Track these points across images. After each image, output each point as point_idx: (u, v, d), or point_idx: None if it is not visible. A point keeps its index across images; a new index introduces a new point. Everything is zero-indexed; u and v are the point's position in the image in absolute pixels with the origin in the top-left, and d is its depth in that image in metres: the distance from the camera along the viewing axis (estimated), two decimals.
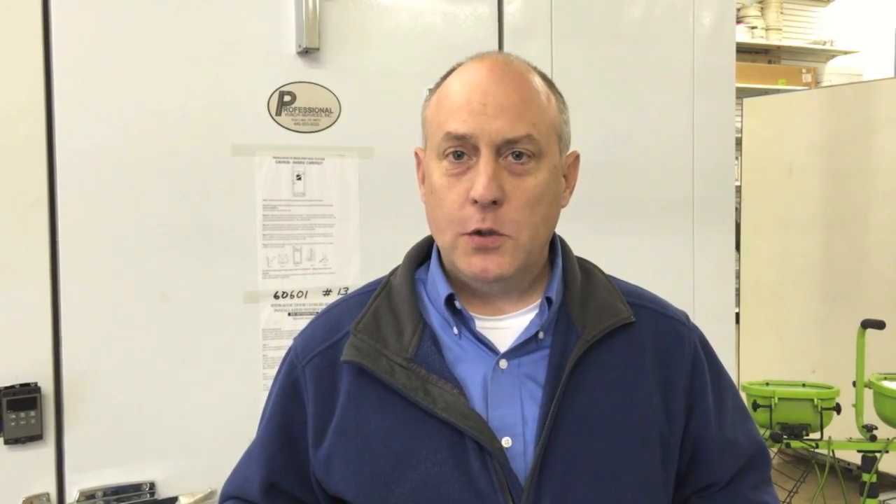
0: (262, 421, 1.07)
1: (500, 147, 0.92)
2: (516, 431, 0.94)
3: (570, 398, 0.95)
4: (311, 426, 0.99)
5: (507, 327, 0.99)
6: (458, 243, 0.94)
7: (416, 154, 1.03)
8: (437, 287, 1.00)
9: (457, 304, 0.98)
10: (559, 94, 1.01)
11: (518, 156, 0.92)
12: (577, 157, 1.03)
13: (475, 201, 0.91)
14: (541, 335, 0.97)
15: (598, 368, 0.98)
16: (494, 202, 0.91)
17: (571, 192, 1.04)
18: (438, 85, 1.00)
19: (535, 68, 1.00)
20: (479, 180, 0.90)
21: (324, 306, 1.10)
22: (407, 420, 0.94)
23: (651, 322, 1.03)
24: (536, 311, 0.99)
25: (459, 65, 0.99)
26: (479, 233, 0.92)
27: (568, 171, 1.02)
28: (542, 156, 0.94)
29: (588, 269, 1.07)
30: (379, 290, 1.03)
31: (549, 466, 0.92)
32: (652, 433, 0.98)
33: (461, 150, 0.93)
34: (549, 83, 1.00)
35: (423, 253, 1.06)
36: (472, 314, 0.99)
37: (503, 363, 0.96)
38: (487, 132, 0.91)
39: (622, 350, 1.00)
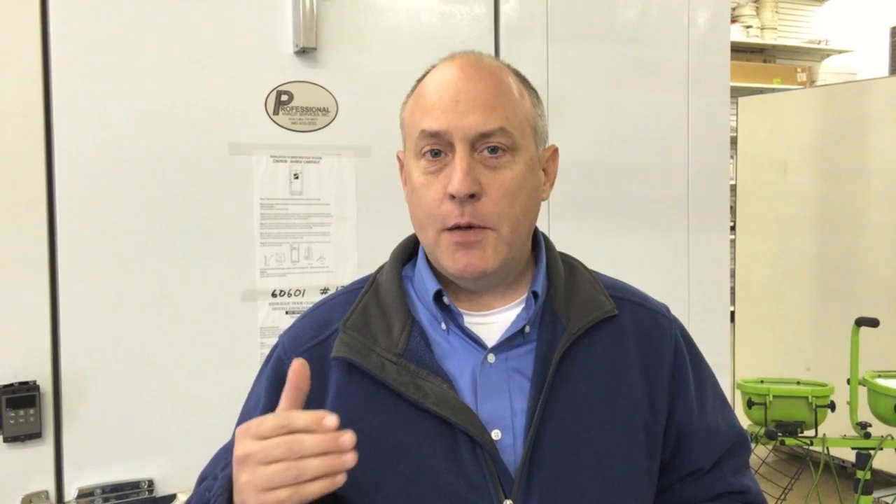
0: (246, 418, 1.05)
1: (475, 142, 0.93)
2: (505, 424, 0.95)
3: (557, 390, 0.96)
4: None
5: (493, 322, 1.00)
6: (441, 240, 0.96)
7: (398, 157, 1.05)
8: (424, 284, 1.01)
9: (445, 299, 0.99)
10: (533, 89, 1.02)
11: (493, 150, 0.94)
12: (555, 151, 1.05)
13: (452, 196, 0.92)
14: (527, 329, 0.99)
15: (583, 361, 0.99)
16: (472, 196, 0.92)
17: (552, 186, 1.05)
18: (414, 87, 1.02)
19: (507, 65, 1.01)
20: (455, 175, 0.92)
21: None
22: (398, 415, 0.95)
23: (633, 315, 1.05)
24: (522, 305, 1.01)
25: (433, 66, 1.01)
26: (458, 227, 0.94)
27: (547, 164, 1.04)
28: (517, 149, 0.95)
29: (571, 264, 1.08)
30: (366, 288, 1.04)
31: (539, 457, 0.94)
32: (637, 423, 1.00)
33: (437, 147, 0.95)
34: (521, 79, 1.02)
35: (409, 250, 1.08)
36: (460, 310, 1.00)
37: (491, 357, 0.97)
38: (461, 128, 0.93)
39: (606, 342, 1.01)
